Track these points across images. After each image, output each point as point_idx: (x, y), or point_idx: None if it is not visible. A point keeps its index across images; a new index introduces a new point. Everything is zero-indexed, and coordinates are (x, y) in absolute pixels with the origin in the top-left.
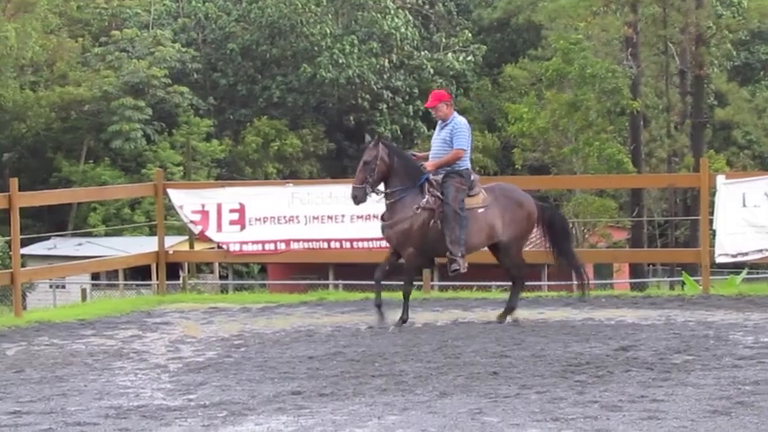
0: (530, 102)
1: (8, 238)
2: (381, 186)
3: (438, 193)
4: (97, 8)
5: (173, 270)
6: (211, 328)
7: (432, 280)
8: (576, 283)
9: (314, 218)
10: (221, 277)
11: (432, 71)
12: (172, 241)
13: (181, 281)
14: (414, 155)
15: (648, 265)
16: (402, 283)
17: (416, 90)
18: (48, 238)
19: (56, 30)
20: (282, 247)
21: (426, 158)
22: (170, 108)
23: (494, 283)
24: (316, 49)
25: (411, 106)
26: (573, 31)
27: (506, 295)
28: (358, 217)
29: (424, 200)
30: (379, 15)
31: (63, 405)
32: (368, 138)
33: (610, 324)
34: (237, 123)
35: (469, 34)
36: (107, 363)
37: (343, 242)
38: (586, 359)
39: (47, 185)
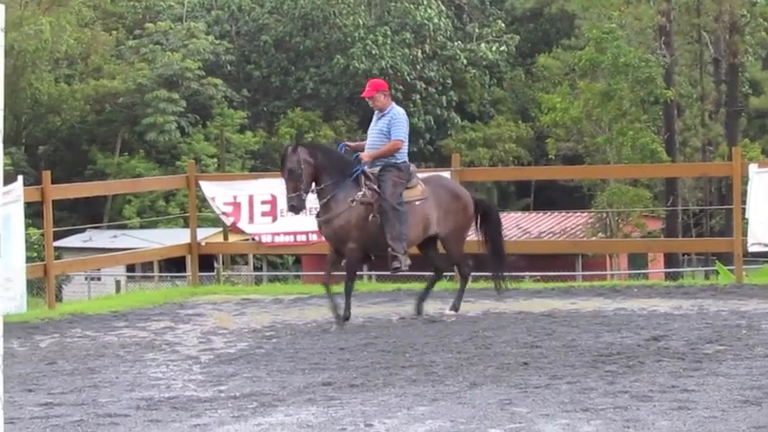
0: (563, 92)
1: (42, 230)
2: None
3: (375, 187)
4: (131, 1)
5: (209, 262)
6: (243, 319)
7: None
8: (493, 275)
9: None
10: (256, 269)
11: (465, 61)
12: (207, 233)
13: (215, 272)
14: (346, 145)
15: (683, 255)
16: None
17: (450, 81)
18: (83, 231)
19: (90, 23)
20: (314, 238)
21: (360, 148)
22: (204, 100)
23: (526, 273)
24: (349, 40)
25: (444, 97)
26: (606, 21)
27: (538, 286)
28: None
29: (360, 193)
30: (412, 6)
31: (94, 397)
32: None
33: (642, 314)
34: (271, 115)
35: (502, 24)
36: (139, 354)
37: None
38: (617, 349)
39: (82, 178)
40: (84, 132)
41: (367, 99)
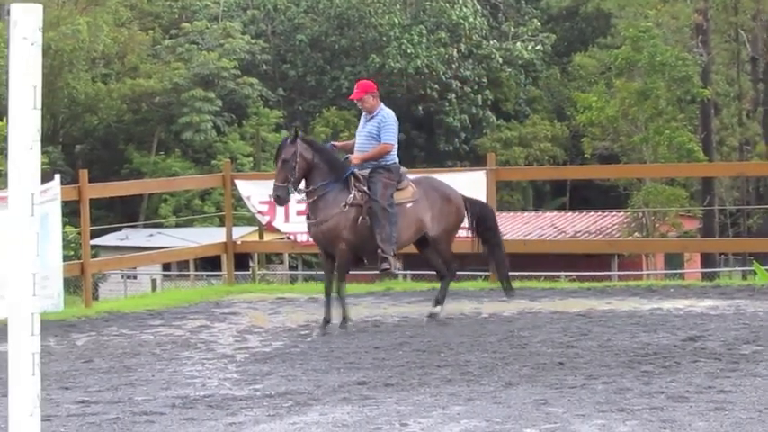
0: (599, 90)
1: (79, 229)
2: (302, 185)
3: (365, 189)
4: (167, 1)
5: (245, 261)
6: (279, 318)
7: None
8: (498, 277)
9: None
10: (291, 268)
11: (500, 60)
12: (242, 232)
13: (250, 271)
14: (333, 145)
15: (720, 255)
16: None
17: (485, 80)
18: (119, 229)
19: (127, 23)
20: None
21: (348, 148)
22: (240, 99)
23: (562, 273)
24: (384, 39)
25: (480, 96)
26: (642, 19)
27: (574, 286)
28: None
29: (351, 196)
30: (447, 5)
31: (130, 395)
32: (284, 134)
33: (678, 314)
34: (306, 114)
35: (538, 23)
36: (174, 353)
37: None
38: (653, 349)
39: (118, 177)
40: (120, 131)
41: (356, 101)
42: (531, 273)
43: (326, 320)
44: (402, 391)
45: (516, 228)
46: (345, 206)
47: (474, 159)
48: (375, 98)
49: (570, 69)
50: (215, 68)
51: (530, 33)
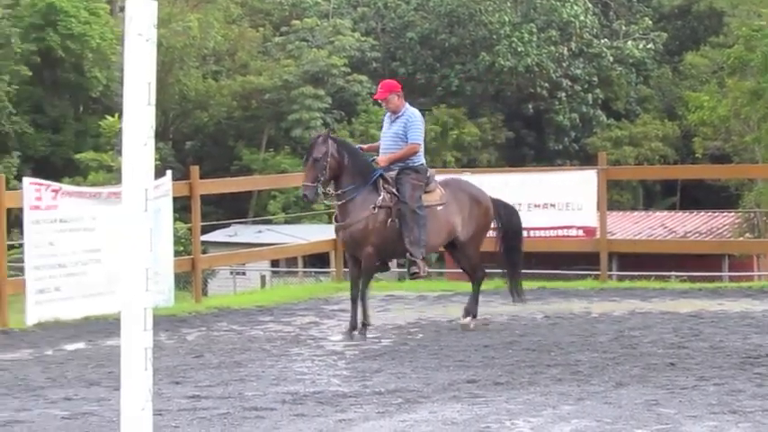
0: (711, 90)
1: (190, 224)
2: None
3: (393, 190)
4: None
5: None
6: (388, 315)
7: (610, 269)
8: (508, 279)
9: None
10: (399, 266)
11: (611, 59)
12: None
13: None
14: (360, 147)
15: None
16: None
17: (596, 78)
18: (228, 226)
19: (237, 20)
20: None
21: (374, 151)
22: (349, 97)
23: (673, 273)
24: (494, 37)
25: (590, 94)
26: (756, 18)
27: (685, 286)
28: (535, 205)
29: (380, 198)
30: (558, 3)
31: (240, 390)
32: (314, 133)
33: None
34: None
35: (650, 21)
36: (284, 349)
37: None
38: (766, 351)
39: (228, 173)
40: (230, 128)
41: (380, 101)
42: (641, 273)
43: (353, 326)
44: (512, 390)
45: (626, 227)
46: (375, 208)
47: (584, 158)
48: (400, 98)
49: (682, 68)
50: (325, 66)
51: (641, 32)
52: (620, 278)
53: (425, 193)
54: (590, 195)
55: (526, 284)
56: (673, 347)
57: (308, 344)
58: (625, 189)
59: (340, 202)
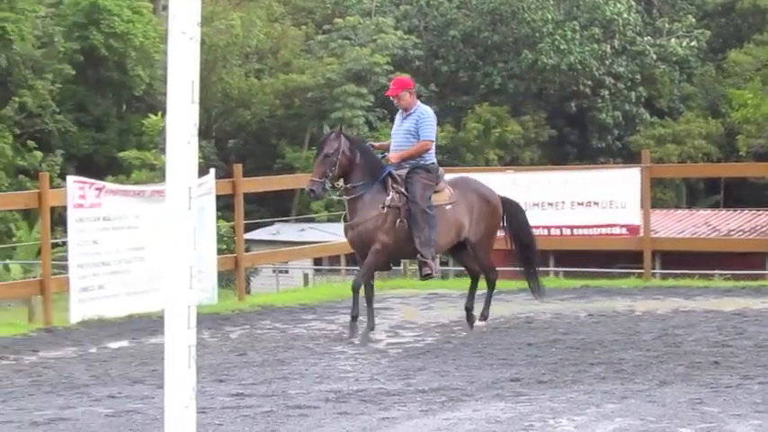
0: (755, 87)
1: (232, 223)
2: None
3: (403, 190)
4: None
5: None
6: (431, 313)
7: (653, 268)
8: (525, 275)
9: (534, 204)
10: (443, 264)
11: (654, 57)
12: None
13: (402, 267)
14: (371, 145)
15: None
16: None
17: (639, 76)
18: (271, 224)
19: (280, 18)
20: (500, 234)
21: (385, 148)
22: None
23: (716, 271)
24: (537, 35)
25: (633, 92)
26: None
27: (728, 285)
28: (578, 204)
29: (389, 197)
30: (601, 1)
31: (284, 388)
32: (326, 128)
33: None
34: (459, 110)
35: (693, 19)
36: (328, 347)
37: (563, 229)
38: None
39: (271, 171)
40: (273, 126)
41: (392, 98)
42: (684, 271)
43: (371, 327)
44: (555, 389)
45: (669, 225)
46: (384, 208)
47: (627, 156)
48: (412, 95)
49: (725, 66)
50: (367, 64)
51: (684, 29)
52: (664, 276)
53: (435, 192)
54: (633, 193)
55: (568, 283)
56: (716, 346)
57: (351, 342)
58: (668, 187)
59: (349, 197)
